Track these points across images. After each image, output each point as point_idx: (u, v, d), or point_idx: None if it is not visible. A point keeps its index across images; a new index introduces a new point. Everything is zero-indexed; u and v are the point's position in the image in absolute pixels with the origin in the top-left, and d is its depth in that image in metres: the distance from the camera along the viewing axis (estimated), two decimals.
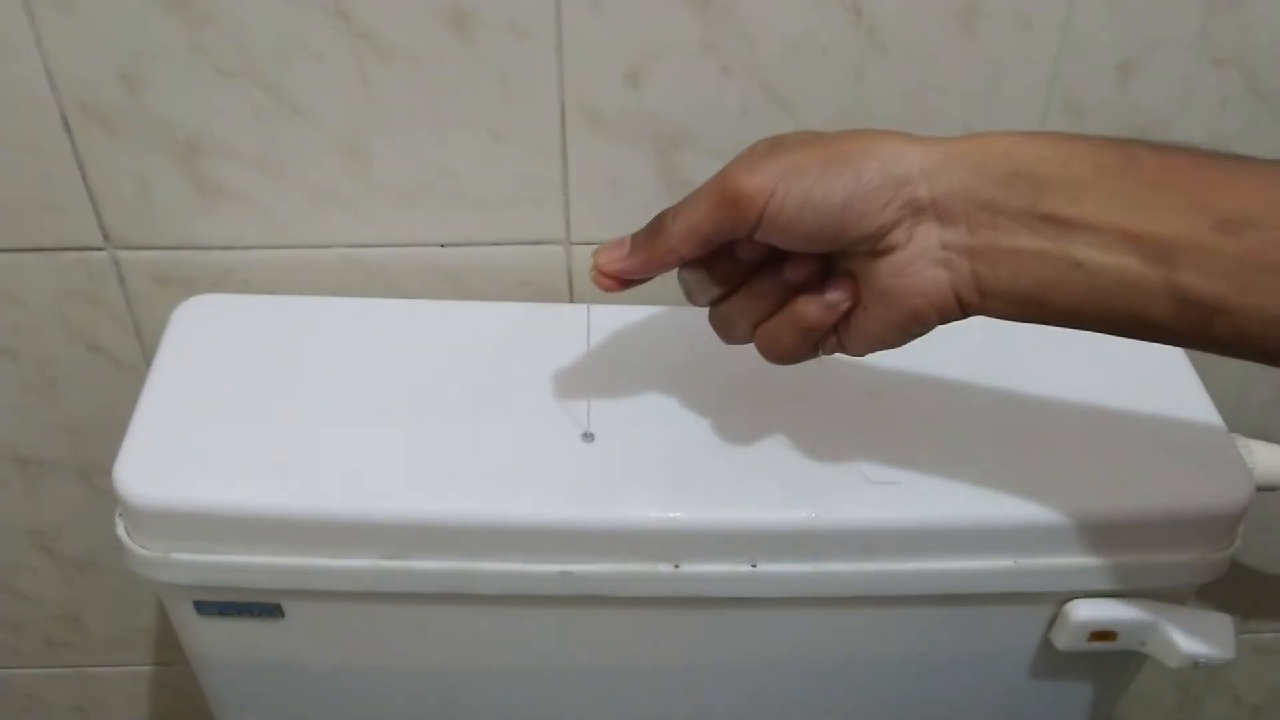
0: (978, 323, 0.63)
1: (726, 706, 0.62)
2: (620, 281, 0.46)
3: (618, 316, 0.62)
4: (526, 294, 0.64)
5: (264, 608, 0.55)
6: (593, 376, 0.58)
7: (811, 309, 0.44)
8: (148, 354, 0.65)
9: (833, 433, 0.56)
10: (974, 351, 0.61)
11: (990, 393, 0.59)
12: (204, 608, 0.55)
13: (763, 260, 0.44)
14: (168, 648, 0.83)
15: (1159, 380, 0.60)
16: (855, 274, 0.43)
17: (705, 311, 0.62)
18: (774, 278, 0.44)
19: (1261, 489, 0.66)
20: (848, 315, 0.44)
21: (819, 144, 0.41)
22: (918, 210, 0.40)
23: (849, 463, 0.55)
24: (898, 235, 0.40)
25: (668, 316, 0.62)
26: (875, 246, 0.41)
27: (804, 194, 0.40)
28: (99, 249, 0.61)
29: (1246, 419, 0.73)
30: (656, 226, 0.44)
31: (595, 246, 0.62)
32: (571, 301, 0.64)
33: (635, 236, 0.45)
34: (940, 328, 0.61)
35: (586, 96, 0.57)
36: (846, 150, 0.40)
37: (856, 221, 0.40)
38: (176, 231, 0.60)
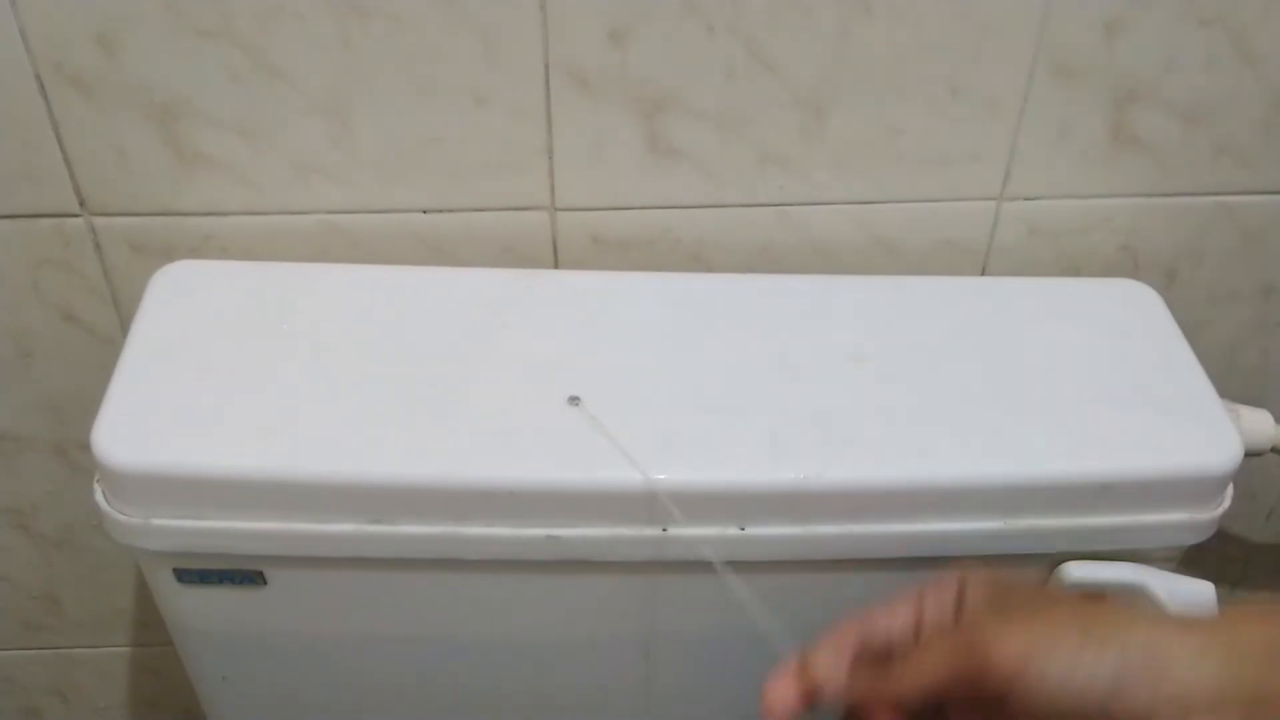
0: (966, 286, 0.63)
1: (716, 669, 0.61)
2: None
3: (603, 283, 0.61)
4: (510, 261, 0.63)
5: (245, 575, 0.54)
6: (579, 342, 0.57)
7: None
8: (125, 324, 0.64)
9: (820, 396, 0.56)
10: (962, 315, 0.60)
11: (979, 356, 0.58)
12: (185, 576, 0.54)
13: None
14: (146, 628, 0.82)
15: (1148, 345, 0.60)
16: None
17: (693, 279, 0.62)
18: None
19: (1248, 454, 0.66)
20: None
21: (1067, 609, 0.39)
22: (1184, 702, 0.37)
23: (837, 425, 0.54)
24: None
25: (654, 282, 0.61)
26: None
27: (1065, 673, 0.37)
28: (74, 215, 0.60)
29: (1232, 384, 0.73)
30: (881, 672, 0.41)
31: (580, 212, 0.62)
32: (556, 268, 0.64)
33: (822, 663, 0.43)
34: (927, 290, 0.61)
35: (570, 57, 0.56)
36: (1102, 623, 0.38)
37: (1121, 709, 0.37)
38: (154, 197, 0.59)
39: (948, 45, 0.57)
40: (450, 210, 0.61)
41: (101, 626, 0.82)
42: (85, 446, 0.51)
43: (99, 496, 0.52)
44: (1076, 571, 0.56)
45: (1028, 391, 0.57)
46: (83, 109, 0.56)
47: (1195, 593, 0.58)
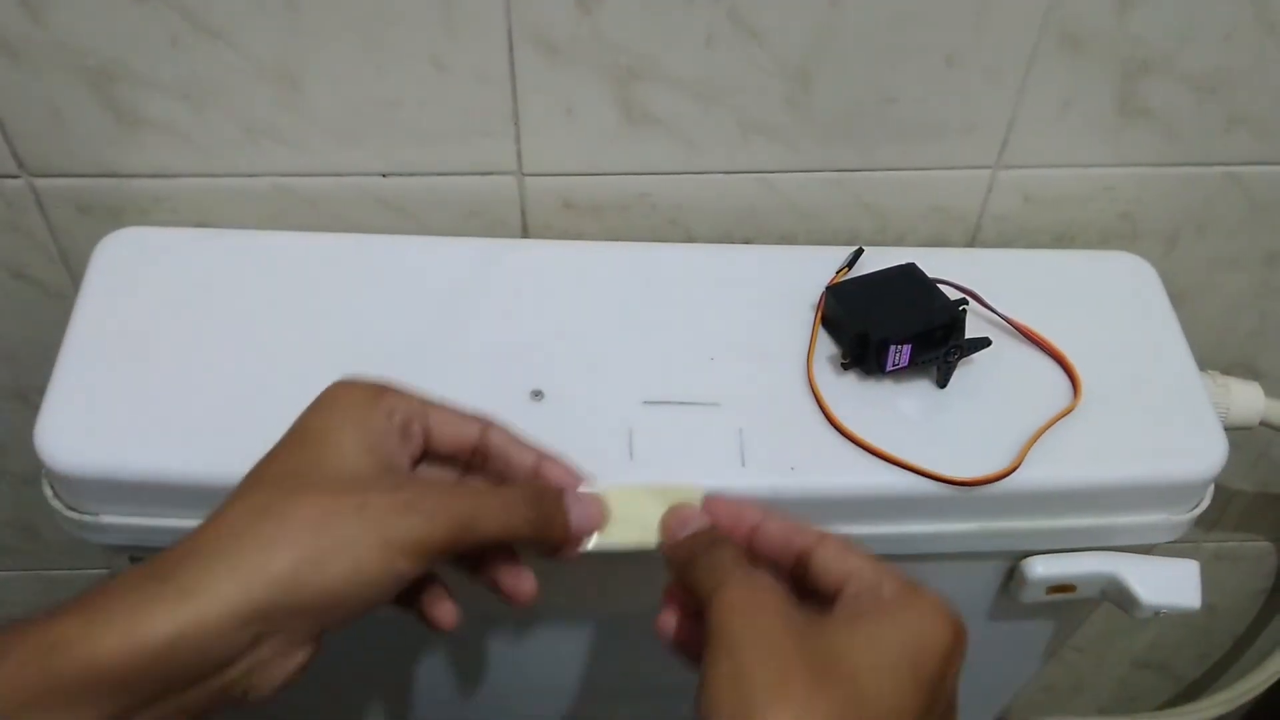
0: (952, 258, 0.59)
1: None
2: None
3: (573, 253, 0.58)
4: (477, 225, 0.60)
5: None
6: (544, 321, 0.55)
7: None
8: (77, 281, 0.61)
9: (791, 393, 0.53)
10: (948, 293, 0.58)
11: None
12: (140, 562, 0.54)
13: None
14: None
15: (1138, 332, 0.58)
16: None
17: (667, 250, 0.59)
18: None
19: (1236, 428, 0.65)
20: None
21: None
22: None
23: (808, 425, 0.52)
24: None
25: (626, 254, 0.59)
26: None
27: None
28: (13, 177, 0.56)
29: (1229, 347, 0.70)
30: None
31: (549, 178, 0.58)
32: (525, 234, 0.60)
33: None
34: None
35: (535, 23, 0.52)
36: None
37: None
38: (97, 159, 0.56)
39: (946, 12, 0.52)
40: (411, 174, 0.58)
41: (79, 548, 0.82)
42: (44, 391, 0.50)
43: (46, 490, 0.51)
44: (1042, 566, 0.55)
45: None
46: (11, 72, 0.52)
47: (1177, 575, 0.57)
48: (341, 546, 0.37)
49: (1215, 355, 0.70)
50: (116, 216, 0.58)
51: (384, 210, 0.59)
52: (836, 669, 0.35)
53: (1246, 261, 0.65)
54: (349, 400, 0.42)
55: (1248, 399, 0.64)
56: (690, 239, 0.61)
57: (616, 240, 0.61)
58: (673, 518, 0.44)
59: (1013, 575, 0.57)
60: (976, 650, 0.64)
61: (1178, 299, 0.60)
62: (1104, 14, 0.53)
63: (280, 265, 0.56)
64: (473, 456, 0.44)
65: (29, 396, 0.69)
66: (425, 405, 0.43)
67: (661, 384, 0.53)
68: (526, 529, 0.41)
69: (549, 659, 0.62)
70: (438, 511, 0.39)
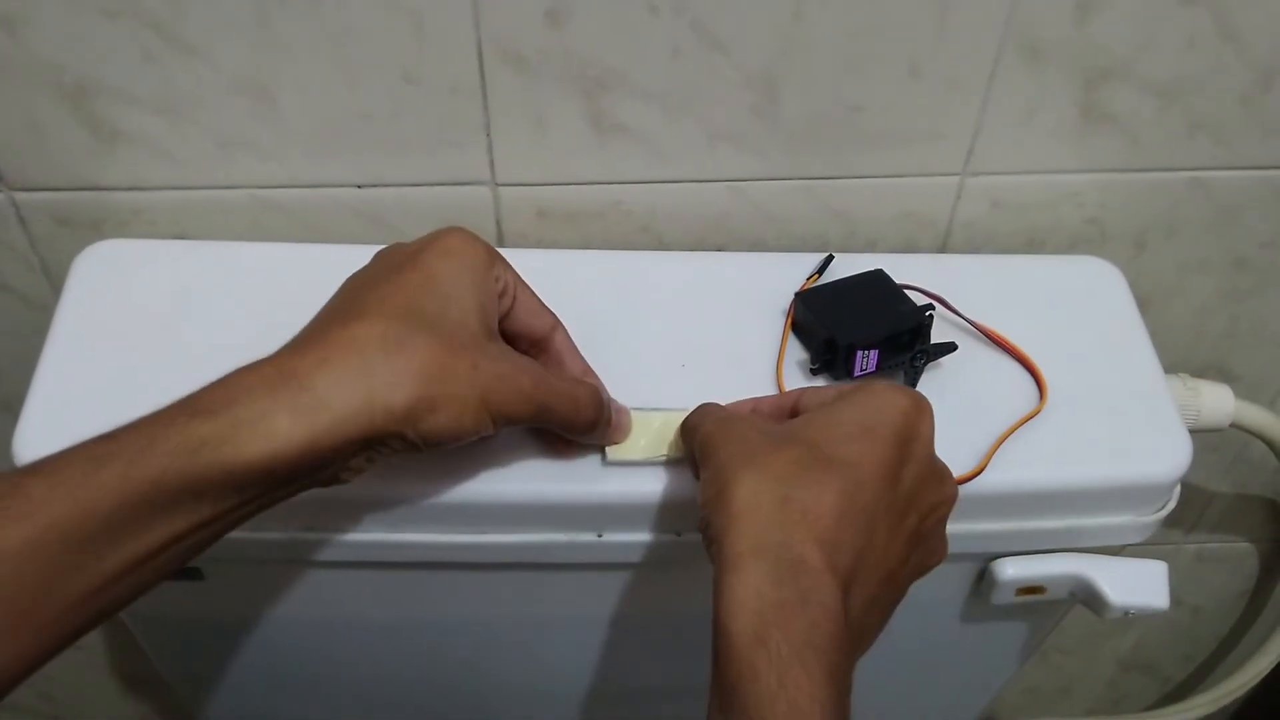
0: (921, 264, 0.60)
1: (660, 657, 0.62)
2: None
3: (547, 262, 0.59)
4: None
5: (183, 571, 0.54)
6: None
7: None
8: (58, 292, 0.62)
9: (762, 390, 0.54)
10: (916, 298, 0.58)
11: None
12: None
13: None
14: None
15: (1104, 336, 0.58)
16: None
17: (639, 256, 0.60)
18: None
19: (1207, 430, 0.65)
20: None
21: None
22: None
23: None
24: None
25: (600, 261, 0.59)
26: None
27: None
28: None
29: (1199, 350, 0.71)
30: None
31: (522, 187, 0.59)
32: (500, 243, 0.61)
33: None
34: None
35: (505, 37, 0.52)
36: None
37: None
38: (75, 173, 0.57)
39: (908, 23, 0.53)
40: (386, 185, 0.58)
41: None
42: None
43: None
44: (1011, 568, 0.56)
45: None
46: None
47: (1146, 575, 0.58)
48: (451, 399, 0.40)
49: (1186, 358, 0.71)
50: (95, 229, 0.59)
51: (361, 221, 0.60)
52: (796, 438, 0.41)
53: (1215, 265, 0.66)
54: (471, 255, 0.44)
55: (1217, 401, 0.65)
56: (663, 246, 0.62)
57: (591, 248, 0.62)
58: (679, 429, 0.49)
59: (983, 577, 0.58)
60: (951, 652, 0.65)
61: (1148, 303, 0.61)
62: (1063, 23, 0.53)
63: (258, 276, 0.56)
64: (531, 347, 0.48)
65: (13, 406, 0.69)
66: (519, 282, 0.46)
67: (634, 390, 0.54)
68: (583, 426, 0.46)
69: (547, 662, 0.63)
70: (531, 393, 0.43)
